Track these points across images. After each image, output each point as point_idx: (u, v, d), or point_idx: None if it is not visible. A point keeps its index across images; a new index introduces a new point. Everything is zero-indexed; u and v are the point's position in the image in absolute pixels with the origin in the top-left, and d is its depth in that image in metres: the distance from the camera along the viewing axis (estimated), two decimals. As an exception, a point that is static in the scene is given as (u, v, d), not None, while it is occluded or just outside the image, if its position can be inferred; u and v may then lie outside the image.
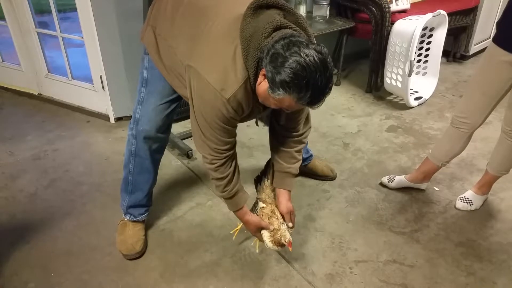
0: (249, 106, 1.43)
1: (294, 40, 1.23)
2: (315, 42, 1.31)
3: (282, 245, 1.65)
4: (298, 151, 1.74)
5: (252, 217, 1.68)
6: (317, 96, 1.24)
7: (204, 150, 1.52)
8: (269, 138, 1.79)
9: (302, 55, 1.19)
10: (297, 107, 1.34)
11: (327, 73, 1.22)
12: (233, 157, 1.59)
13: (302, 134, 1.73)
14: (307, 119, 1.75)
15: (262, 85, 1.31)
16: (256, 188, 1.82)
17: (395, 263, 1.88)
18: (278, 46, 1.22)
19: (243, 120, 1.53)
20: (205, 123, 1.43)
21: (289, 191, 1.76)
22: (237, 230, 1.84)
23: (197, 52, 1.38)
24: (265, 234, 1.66)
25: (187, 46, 1.42)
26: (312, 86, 1.21)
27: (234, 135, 1.52)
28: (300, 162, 1.78)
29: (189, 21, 1.46)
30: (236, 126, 1.50)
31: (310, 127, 1.79)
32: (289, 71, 1.19)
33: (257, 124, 1.74)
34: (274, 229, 1.65)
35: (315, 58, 1.20)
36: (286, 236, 1.64)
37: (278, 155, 1.74)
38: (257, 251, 1.87)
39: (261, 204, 1.74)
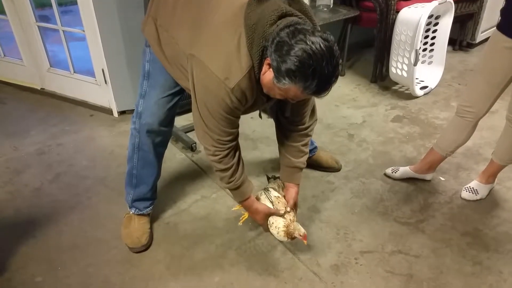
0: (253, 96, 1.41)
1: (300, 27, 1.21)
2: (320, 29, 1.28)
3: (293, 238, 1.65)
4: (305, 145, 1.74)
5: (260, 205, 1.68)
6: (323, 85, 1.22)
7: (206, 142, 1.51)
8: (276, 133, 1.78)
9: (308, 42, 1.17)
10: (303, 97, 1.32)
11: (333, 61, 1.20)
12: (236, 148, 1.58)
13: (308, 127, 1.72)
14: (313, 111, 1.74)
15: (267, 75, 1.29)
16: (269, 180, 1.83)
17: (400, 253, 1.87)
18: (283, 34, 1.20)
19: (246, 111, 1.51)
20: (208, 113, 1.42)
21: (298, 184, 1.77)
22: (244, 218, 1.84)
23: (200, 41, 1.36)
24: (280, 223, 1.65)
25: (189, 35, 1.41)
26: (319, 75, 1.19)
27: (237, 125, 1.51)
28: (307, 155, 1.78)
29: (190, 11, 1.44)
30: (239, 117, 1.49)
31: (316, 120, 1.78)
32: (295, 59, 1.17)
33: (260, 117, 1.73)
34: (290, 219, 1.65)
35: (322, 45, 1.18)
36: (301, 229, 1.64)
37: (285, 150, 1.74)
38: (239, 223, 1.85)
39: (275, 193, 1.74)
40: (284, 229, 1.64)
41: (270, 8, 1.28)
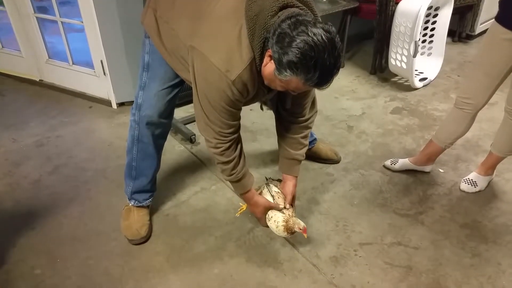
0: (254, 88, 1.40)
1: (301, 19, 1.20)
2: (321, 21, 1.28)
3: (292, 233, 1.67)
4: (305, 137, 1.74)
5: (260, 198, 1.69)
6: (325, 76, 1.22)
7: (208, 134, 1.51)
8: (276, 125, 1.78)
9: (309, 34, 1.16)
10: (304, 89, 1.31)
11: (335, 52, 1.20)
12: (238, 140, 1.58)
13: (308, 119, 1.72)
14: (313, 103, 1.73)
15: (268, 67, 1.29)
16: (267, 180, 1.85)
17: (399, 245, 1.88)
18: (284, 25, 1.19)
19: (247, 103, 1.51)
20: (209, 105, 1.41)
21: (296, 177, 1.76)
22: (242, 210, 1.84)
23: (200, 33, 1.35)
24: (279, 218, 1.67)
25: (189, 27, 1.40)
26: (321, 66, 1.18)
27: (238, 118, 1.51)
28: (307, 147, 1.78)
29: (191, 2, 1.43)
30: (240, 109, 1.49)
31: (316, 112, 1.78)
32: (297, 51, 1.17)
33: (261, 109, 1.73)
34: (289, 214, 1.67)
35: (323, 37, 1.17)
36: (300, 223, 1.65)
37: (285, 142, 1.74)
38: (237, 215, 1.89)
39: (275, 188, 1.76)
40: (284, 224, 1.65)
41: None
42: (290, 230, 1.66)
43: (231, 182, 1.65)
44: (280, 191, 1.75)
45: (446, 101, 3.04)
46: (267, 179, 1.86)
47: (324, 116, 2.83)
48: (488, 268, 1.78)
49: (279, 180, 1.84)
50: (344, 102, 3.05)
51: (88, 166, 2.35)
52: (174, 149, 2.50)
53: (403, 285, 1.70)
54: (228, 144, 1.52)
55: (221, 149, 1.52)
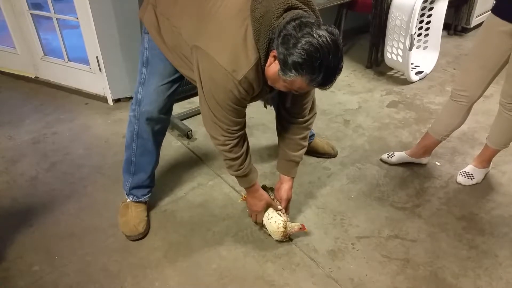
0: (259, 87, 1.43)
1: (305, 21, 1.23)
2: (324, 23, 1.29)
3: (286, 237, 1.78)
4: (303, 138, 1.77)
5: (264, 193, 1.75)
6: (329, 77, 1.25)
7: (215, 132, 1.53)
8: (276, 125, 1.82)
9: (315, 36, 1.19)
10: (307, 89, 1.34)
11: (338, 54, 1.23)
12: (245, 137, 1.61)
13: (307, 121, 1.75)
14: (313, 105, 1.77)
15: (272, 67, 1.31)
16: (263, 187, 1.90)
17: (397, 238, 1.89)
18: (289, 27, 1.22)
19: (250, 101, 1.53)
20: (216, 104, 1.43)
21: (292, 178, 1.81)
22: (244, 198, 1.88)
23: (205, 33, 1.36)
24: (279, 220, 1.74)
25: (193, 26, 1.40)
26: (325, 68, 1.21)
27: (244, 115, 1.54)
28: (305, 148, 1.81)
29: (194, 1, 1.44)
30: (246, 106, 1.51)
31: (315, 113, 1.82)
32: (302, 52, 1.19)
33: (265, 107, 1.75)
34: (283, 221, 1.74)
35: (328, 39, 1.20)
36: (296, 225, 1.77)
37: (284, 143, 1.78)
38: (239, 201, 1.99)
39: (272, 194, 1.84)
40: (283, 229, 1.73)
41: (276, 1, 1.29)
42: (286, 236, 1.76)
43: (238, 177, 1.69)
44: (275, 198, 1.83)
45: (442, 94, 3.05)
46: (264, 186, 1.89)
47: (320, 110, 2.83)
48: (485, 260, 1.79)
49: (272, 189, 1.89)
50: (341, 96, 3.05)
51: (85, 162, 2.34)
52: (171, 145, 2.50)
53: (401, 277, 1.71)
54: (236, 141, 1.54)
55: (229, 146, 1.54)
